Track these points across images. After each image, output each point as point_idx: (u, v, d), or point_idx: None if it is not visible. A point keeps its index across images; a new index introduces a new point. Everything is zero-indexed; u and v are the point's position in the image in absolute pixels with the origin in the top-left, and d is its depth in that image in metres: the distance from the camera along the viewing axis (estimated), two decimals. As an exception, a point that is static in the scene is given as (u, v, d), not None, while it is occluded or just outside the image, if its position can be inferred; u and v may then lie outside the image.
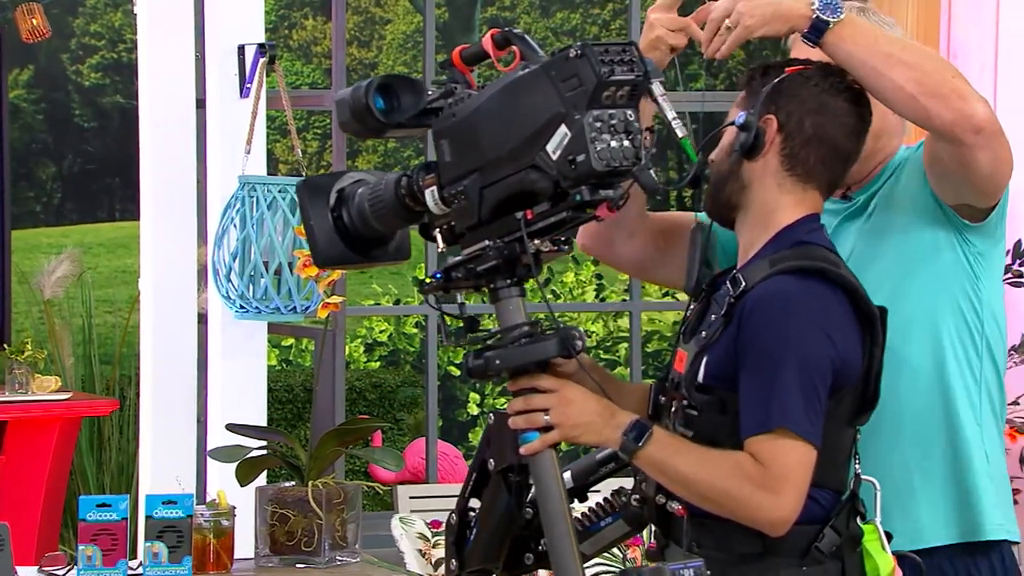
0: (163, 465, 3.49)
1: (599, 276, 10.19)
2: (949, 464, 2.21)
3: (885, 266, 2.20)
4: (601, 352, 9.59)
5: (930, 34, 3.97)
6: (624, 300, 8.80)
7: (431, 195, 1.97)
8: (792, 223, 2.09)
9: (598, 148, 1.84)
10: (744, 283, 2.05)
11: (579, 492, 2.15)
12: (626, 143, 1.86)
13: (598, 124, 1.84)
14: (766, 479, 1.97)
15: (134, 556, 2.96)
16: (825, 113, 2.09)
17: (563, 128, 1.85)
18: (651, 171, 1.87)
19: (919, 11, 3.97)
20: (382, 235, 2.06)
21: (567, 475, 2.14)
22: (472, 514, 2.06)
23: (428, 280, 2.00)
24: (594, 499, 2.17)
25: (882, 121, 2.22)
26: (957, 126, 2.09)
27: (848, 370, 2.03)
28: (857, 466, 2.10)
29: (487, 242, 1.94)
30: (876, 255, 2.23)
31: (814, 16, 2.08)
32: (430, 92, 1.98)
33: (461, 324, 1.98)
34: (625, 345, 9.68)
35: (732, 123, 2.10)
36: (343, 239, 2.05)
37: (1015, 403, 3.94)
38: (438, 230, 1.99)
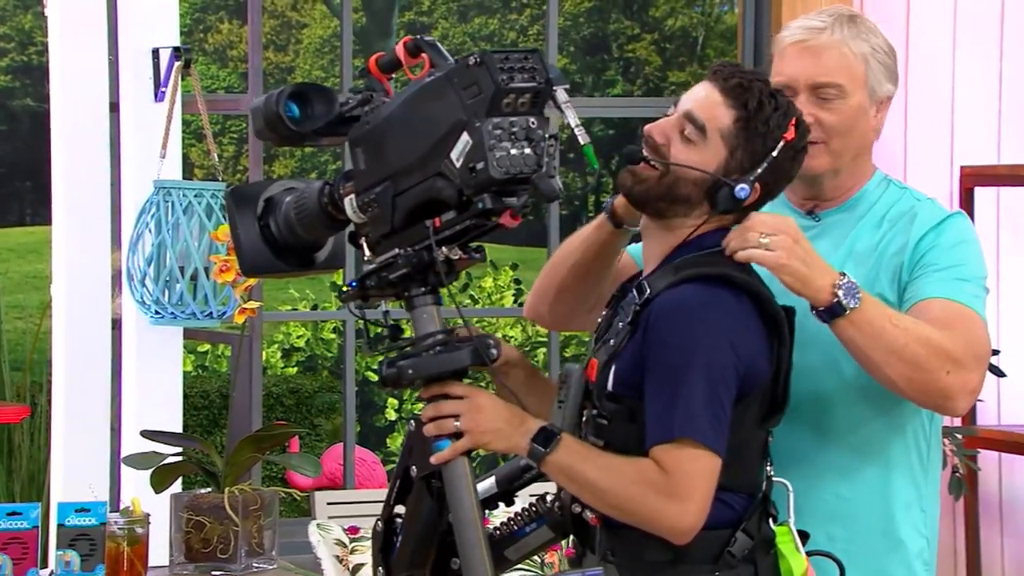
0: (75, 472, 3.44)
1: (517, 281, 10.21)
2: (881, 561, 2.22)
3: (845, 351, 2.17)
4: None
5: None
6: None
7: (350, 204, 1.98)
8: (701, 234, 2.10)
9: (497, 156, 1.84)
10: (649, 290, 2.06)
11: (504, 497, 2.16)
12: (527, 151, 1.86)
13: (498, 132, 1.85)
14: (669, 487, 1.98)
15: (45, 565, 2.93)
16: (788, 183, 2.13)
17: (465, 136, 1.86)
18: (554, 179, 1.88)
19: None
20: (310, 243, 2.06)
21: (491, 480, 2.15)
22: (398, 521, 2.06)
23: (345, 288, 2.01)
24: (520, 504, 2.18)
25: (861, 140, 2.23)
26: (932, 409, 2.20)
27: (754, 376, 2.04)
28: (769, 468, 2.11)
29: (397, 250, 1.95)
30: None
31: (834, 300, 2.07)
32: (349, 101, 1.98)
33: (382, 332, 1.99)
34: (543, 350, 9.69)
35: (731, 185, 2.04)
36: (270, 248, 2.05)
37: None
38: (364, 238, 1.99)
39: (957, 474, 3.89)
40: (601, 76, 13.47)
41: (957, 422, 4.00)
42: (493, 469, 2.18)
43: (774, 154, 2.05)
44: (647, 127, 2.12)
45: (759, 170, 2.05)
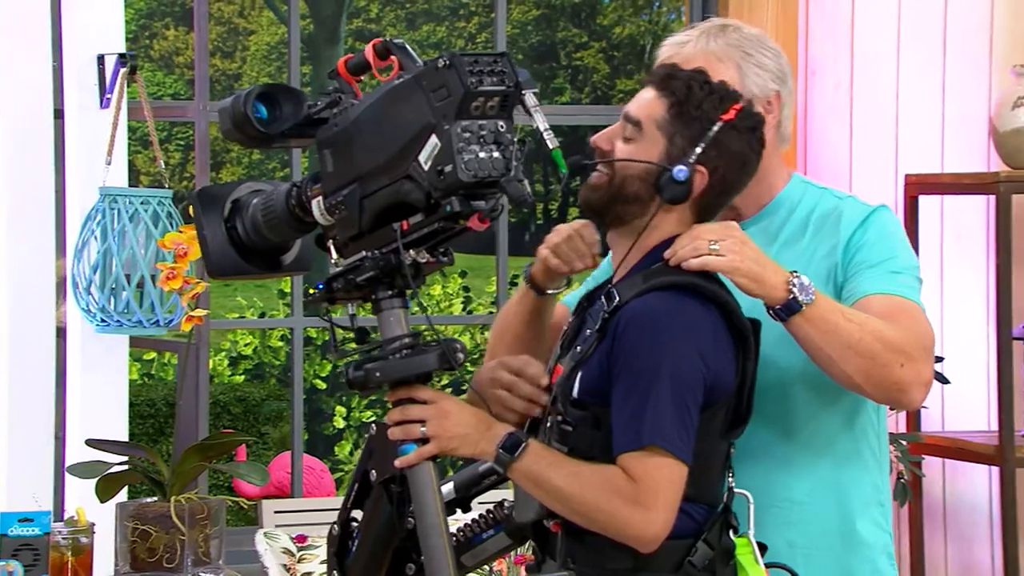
0: (19, 482, 3.40)
1: (466, 288, 10.21)
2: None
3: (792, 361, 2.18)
4: (468, 365, 9.61)
5: (787, 51, 4.06)
6: (491, 313, 8.82)
7: (317, 206, 1.97)
8: (668, 238, 2.10)
9: (465, 159, 1.84)
10: (618, 298, 2.05)
11: (462, 503, 2.15)
12: (496, 154, 1.86)
13: (467, 135, 1.84)
14: (637, 495, 1.98)
15: (-11, 576, 2.89)
16: (744, 167, 2.10)
17: (433, 138, 1.85)
18: (523, 183, 1.88)
19: (777, 28, 4.05)
20: (277, 246, 2.05)
21: (450, 486, 2.14)
22: (354, 524, 2.06)
23: (312, 291, 2.00)
24: (478, 510, 2.18)
25: (768, 163, 2.22)
26: (887, 403, 2.21)
27: (720, 386, 2.04)
28: (731, 479, 2.11)
29: (365, 253, 1.94)
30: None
31: (790, 297, 2.08)
32: (318, 103, 1.98)
33: (326, 337, 1.98)
34: (491, 357, 9.66)
35: (668, 170, 2.04)
36: (237, 250, 2.04)
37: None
38: (331, 241, 1.98)
39: (902, 480, 3.93)
40: (549, 84, 13.50)
41: (903, 428, 4.04)
42: (449, 474, 2.18)
43: (711, 134, 2.05)
44: (592, 137, 2.13)
45: (697, 150, 2.05)
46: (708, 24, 2.29)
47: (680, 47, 2.26)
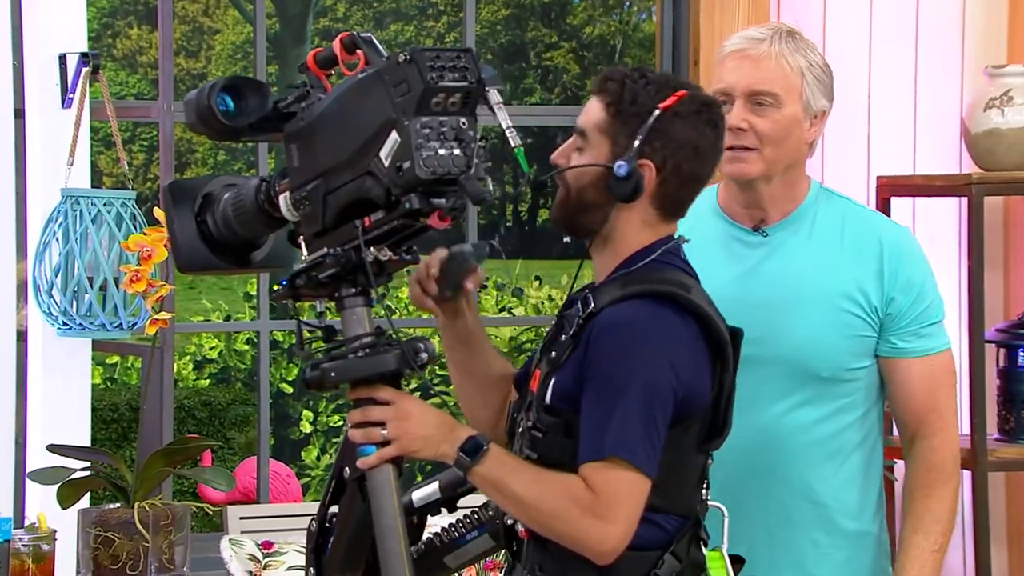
0: (-21, 489, 3.36)
1: (433, 291, 10.15)
2: None
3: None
4: (437, 368, 9.58)
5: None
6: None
7: (284, 201, 1.95)
8: (647, 245, 2.06)
9: (424, 155, 1.82)
10: (593, 304, 2.02)
11: (448, 503, 2.13)
12: (456, 151, 1.84)
13: (426, 131, 1.83)
14: (595, 507, 1.95)
15: (-53, 585, 2.85)
16: (699, 154, 2.04)
17: (394, 134, 1.84)
18: (484, 181, 1.86)
19: (750, 22, 4.04)
20: (248, 241, 2.03)
21: (435, 485, 2.12)
22: (334, 521, 2.04)
23: (276, 288, 1.98)
24: (463, 512, 2.16)
25: (795, 151, 2.29)
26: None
27: (695, 398, 2.01)
28: (706, 492, 2.08)
29: (326, 249, 1.92)
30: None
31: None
32: (287, 97, 1.96)
33: (294, 335, 1.97)
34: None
35: (608, 167, 2.01)
36: (207, 244, 2.01)
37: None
38: (302, 237, 1.96)
39: (874, 483, 3.92)
40: (519, 84, 13.51)
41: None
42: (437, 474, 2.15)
43: (649, 124, 2.00)
44: (552, 155, 2.11)
45: (635, 143, 2.00)
46: (777, 26, 2.35)
47: (756, 44, 2.30)
